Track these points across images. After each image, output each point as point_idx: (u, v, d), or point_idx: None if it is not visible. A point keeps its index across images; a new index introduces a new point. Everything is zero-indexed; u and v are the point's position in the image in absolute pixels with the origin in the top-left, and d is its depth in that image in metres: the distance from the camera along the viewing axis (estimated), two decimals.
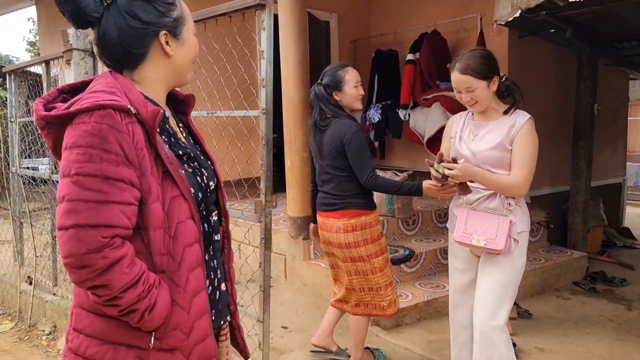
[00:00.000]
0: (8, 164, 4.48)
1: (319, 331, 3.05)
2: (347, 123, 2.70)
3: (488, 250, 2.28)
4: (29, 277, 4.16)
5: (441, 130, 5.25)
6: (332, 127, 2.72)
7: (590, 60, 5.32)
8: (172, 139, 1.27)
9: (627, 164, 7.81)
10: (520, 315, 3.89)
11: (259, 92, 2.38)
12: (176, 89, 1.38)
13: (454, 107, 5.15)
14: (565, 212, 5.72)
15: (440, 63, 5.68)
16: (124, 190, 1.10)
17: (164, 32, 1.22)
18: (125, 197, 1.10)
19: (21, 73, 4.39)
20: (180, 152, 1.26)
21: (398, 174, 4.52)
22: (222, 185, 1.41)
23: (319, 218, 2.88)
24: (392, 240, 4.55)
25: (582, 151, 5.42)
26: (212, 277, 1.35)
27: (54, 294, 3.86)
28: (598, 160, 6.10)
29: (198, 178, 1.27)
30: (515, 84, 2.36)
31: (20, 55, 22.44)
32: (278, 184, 4.48)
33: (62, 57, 3.17)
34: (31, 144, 4.32)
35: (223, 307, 1.40)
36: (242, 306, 2.47)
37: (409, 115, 5.78)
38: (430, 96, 5.45)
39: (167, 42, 1.23)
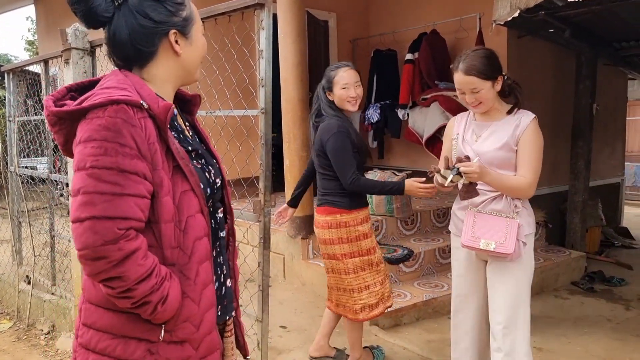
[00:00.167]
0: (6, 163, 4.47)
1: (314, 342, 3.04)
2: (330, 124, 2.71)
3: (497, 254, 2.21)
4: (27, 276, 4.16)
5: (440, 130, 5.25)
6: (320, 126, 2.76)
7: (589, 60, 5.33)
8: (181, 136, 1.30)
9: (626, 163, 7.82)
10: None
11: (258, 91, 2.38)
12: (182, 89, 1.40)
13: (453, 107, 5.16)
14: (563, 212, 5.72)
15: (439, 63, 5.69)
16: (138, 183, 1.12)
17: (173, 31, 1.24)
18: (139, 190, 1.12)
19: (20, 72, 4.39)
20: (190, 148, 1.29)
21: (397, 173, 4.52)
22: (227, 183, 1.44)
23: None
24: (390, 240, 4.55)
25: (581, 151, 5.43)
26: (219, 273, 1.38)
27: (52, 294, 3.85)
28: (597, 160, 6.10)
29: (206, 174, 1.31)
30: (516, 83, 2.32)
31: (19, 54, 22.42)
32: (277, 184, 4.47)
33: (60, 56, 3.17)
34: (29, 143, 4.32)
35: (228, 303, 1.43)
36: (241, 305, 2.47)
37: (407, 115, 5.79)
38: (429, 96, 5.45)
39: (176, 41, 1.26)
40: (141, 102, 1.15)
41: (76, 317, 1.27)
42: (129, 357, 1.17)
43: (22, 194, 4.27)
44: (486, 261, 2.37)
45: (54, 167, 4.01)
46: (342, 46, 6.74)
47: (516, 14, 3.20)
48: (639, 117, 13.44)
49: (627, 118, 7.68)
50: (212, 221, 1.34)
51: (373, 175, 4.30)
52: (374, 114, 6.15)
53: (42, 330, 3.75)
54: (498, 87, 2.24)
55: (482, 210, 2.27)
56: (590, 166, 5.52)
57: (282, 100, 4.08)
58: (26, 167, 4.51)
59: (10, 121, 4.27)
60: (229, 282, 1.43)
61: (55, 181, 3.89)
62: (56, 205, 4.20)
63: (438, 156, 5.30)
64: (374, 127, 6.27)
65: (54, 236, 3.90)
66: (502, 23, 3.36)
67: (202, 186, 1.26)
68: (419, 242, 4.50)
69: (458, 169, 2.11)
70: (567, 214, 5.62)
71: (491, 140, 2.26)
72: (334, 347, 3.05)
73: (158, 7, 1.22)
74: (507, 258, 2.21)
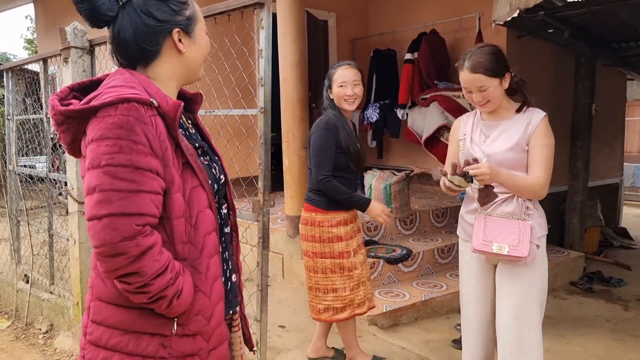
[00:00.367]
0: (5, 162, 4.47)
1: (311, 343, 3.05)
2: (321, 119, 2.74)
3: (511, 258, 2.10)
4: (25, 275, 4.15)
5: (439, 129, 5.26)
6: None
7: (588, 61, 5.33)
8: (187, 133, 1.33)
9: (625, 164, 7.83)
10: None
11: (257, 91, 2.37)
12: (183, 87, 1.41)
13: (452, 107, 5.16)
14: (562, 212, 5.73)
15: (438, 63, 5.69)
16: (152, 180, 1.14)
17: (177, 30, 1.26)
18: (153, 187, 1.14)
19: (19, 71, 4.38)
20: (197, 145, 1.32)
21: (396, 173, 4.53)
22: (229, 180, 1.47)
23: None
24: (389, 239, 4.56)
25: (580, 151, 5.43)
26: (225, 268, 1.41)
27: (50, 293, 3.84)
28: (595, 160, 6.11)
29: (213, 170, 1.34)
30: (523, 80, 2.23)
31: (18, 52, 22.38)
32: (276, 183, 4.47)
33: (59, 54, 3.17)
34: (28, 142, 4.31)
35: (233, 297, 1.45)
36: None
37: (407, 114, 5.79)
38: (428, 96, 5.45)
39: (179, 40, 1.27)
40: (151, 100, 1.17)
41: (83, 315, 1.27)
42: (141, 352, 1.19)
43: (21, 192, 4.26)
44: (495, 265, 2.26)
45: (53, 166, 4.00)
46: (342, 46, 6.75)
47: (516, 14, 3.19)
48: (638, 117, 13.46)
49: (626, 118, 7.70)
50: (217, 217, 1.36)
51: (372, 175, 4.29)
52: (373, 114, 6.15)
53: (40, 329, 3.75)
54: (506, 84, 2.15)
55: (492, 213, 2.16)
56: (589, 166, 5.53)
57: (281, 99, 4.07)
58: (25, 165, 4.51)
59: (9, 120, 4.26)
60: (234, 277, 1.46)
61: (54, 180, 3.88)
62: (55, 204, 4.20)
63: (437, 156, 5.37)
64: (373, 126, 6.27)
65: (52, 235, 3.89)
66: (501, 23, 3.36)
67: (210, 182, 1.29)
68: (417, 242, 4.50)
69: (467, 172, 2.00)
70: (566, 214, 5.63)
71: (501, 140, 2.16)
72: (333, 348, 3.05)
73: (162, 6, 1.24)
74: (520, 262, 2.10)
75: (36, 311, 3.87)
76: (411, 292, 3.89)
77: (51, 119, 1.22)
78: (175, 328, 1.21)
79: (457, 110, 5.07)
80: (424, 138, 5.44)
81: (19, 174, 4.26)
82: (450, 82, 5.61)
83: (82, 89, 1.28)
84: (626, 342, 3.53)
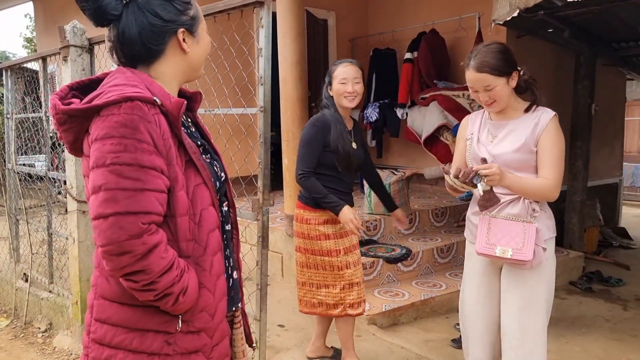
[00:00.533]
0: (4, 161, 4.46)
1: (310, 343, 3.05)
2: (315, 116, 2.75)
3: (515, 262, 2.04)
4: (24, 274, 4.15)
5: (439, 129, 5.26)
6: None
7: (588, 61, 5.33)
8: (189, 131, 1.34)
9: (624, 164, 7.84)
10: None
11: (257, 90, 2.37)
12: (183, 86, 1.42)
13: (452, 106, 5.16)
14: (562, 211, 5.73)
15: (438, 62, 5.69)
16: (157, 178, 1.14)
17: (182, 29, 1.27)
18: (158, 185, 1.14)
19: (18, 69, 4.37)
20: (199, 143, 1.34)
21: (395, 172, 4.53)
22: (229, 178, 1.47)
23: None
24: (389, 239, 4.55)
25: (579, 151, 5.43)
26: (226, 265, 1.41)
27: (49, 292, 3.84)
28: (595, 160, 6.11)
29: (214, 168, 1.36)
30: (533, 78, 2.15)
31: (17, 51, 22.36)
32: (275, 182, 4.47)
33: (59, 53, 3.16)
34: (27, 141, 4.30)
35: (235, 294, 1.46)
36: None
37: (406, 114, 5.79)
38: (427, 95, 5.45)
39: (184, 40, 1.28)
40: (154, 98, 1.17)
41: (86, 313, 1.27)
42: (146, 349, 1.19)
43: (20, 191, 4.26)
44: (501, 268, 2.21)
45: (52, 165, 3.99)
46: (341, 45, 6.75)
47: (515, 14, 3.19)
48: (638, 117, 13.48)
49: (625, 118, 7.70)
50: (220, 215, 1.37)
51: None
52: (372, 113, 6.15)
53: (39, 328, 3.74)
54: (513, 83, 2.08)
55: (497, 215, 2.10)
56: (588, 166, 5.53)
57: (281, 98, 4.07)
58: (24, 164, 4.50)
59: (8, 118, 4.25)
60: (235, 274, 1.47)
61: (53, 179, 3.87)
62: (54, 202, 4.19)
63: (437, 155, 5.37)
64: (372, 126, 6.27)
65: (51, 234, 3.89)
66: (501, 22, 3.36)
67: (212, 179, 1.30)
68: (417, 242, 4.50)
69: (477, 172, 1.94)
70: (565, 213, 5.63)
71: (508, 140, 2.10)
72: (332, 347, 3.05)
73: (167, 5, 1.24)
74: (525, 265, 2.04)
75: (35, 310, 3.87)
76: (410, 292, 3.89)
77: (52, 119, 1.22)
78: (180, 325, 1.22)
79: (457, 109, 5.07)
80: (423, 137, 5.44)
81: (18, 173, 4.25)
82: (450, 81, 5.61)
83: (82, 88, 1.28)
84: (625, 341, 3.54)
